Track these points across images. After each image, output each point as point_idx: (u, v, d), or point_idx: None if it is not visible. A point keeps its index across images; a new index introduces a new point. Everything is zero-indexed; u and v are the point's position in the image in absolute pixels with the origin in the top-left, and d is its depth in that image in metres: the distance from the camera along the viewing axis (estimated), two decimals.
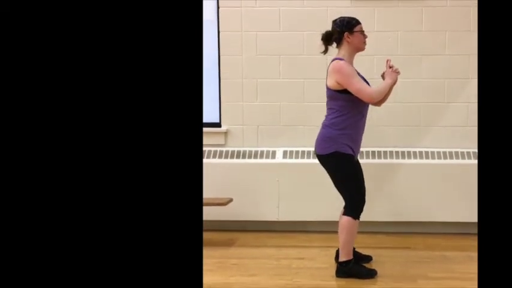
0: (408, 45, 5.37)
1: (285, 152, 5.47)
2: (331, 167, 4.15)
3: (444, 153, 5.35)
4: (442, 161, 5.30)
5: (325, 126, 4.14)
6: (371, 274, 4.16)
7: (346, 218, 4.11)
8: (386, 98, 4.22)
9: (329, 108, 4.15)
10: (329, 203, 4.84)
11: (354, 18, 4.15)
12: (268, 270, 4.37)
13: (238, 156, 5.47)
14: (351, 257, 4.15)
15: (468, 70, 5.31)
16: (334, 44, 4.17)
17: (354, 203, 4.12)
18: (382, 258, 4.56)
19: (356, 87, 4.00)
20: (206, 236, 4.76)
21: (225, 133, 5.57)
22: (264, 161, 5.43)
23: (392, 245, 5.04)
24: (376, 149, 5.38)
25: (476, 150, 5.10)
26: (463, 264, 4.43)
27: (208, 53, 5.47)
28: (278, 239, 5.23)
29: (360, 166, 4.21)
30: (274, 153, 5.48)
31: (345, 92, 4.03)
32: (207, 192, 4.88)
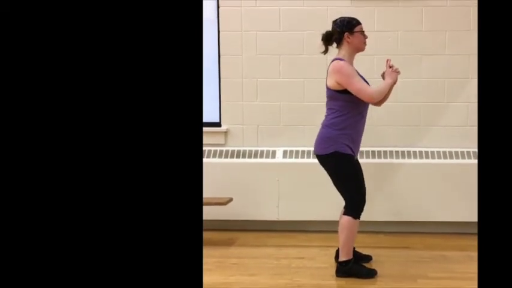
0: (408, 45, 5.37)
1: (285, 152, 5.47)
2: (331, 167, 4.15)
3: (444, 153, 5.35)
4: (442, 160, 5.30)
5: (324, 126, 4.14)
6: (371, 274, 4.16)
7: (347, 218, 4.11)
8: (387, 98, 4.22)
9: (329, 108, 4.15)
10: (329, 202, 4.85)
11: (354, 19, 4.15)
12: (268, 269, 4.37)
13: (238, 156, 5.48)
14: (351, 256, 4.16)
15: (468, 70, 5.31)
16: (335, 44, 4.17)
17: (354, 202, 4.12)
18: (381, 258, 4.56)
19: (356, 87, 4.01)
20: (206, 235, 4.76)
21: (225, 133, 5.57)
22: (264, 160, 5.43)
23: (392, 244, 5.04)
24: (376, 149, 5.38)
25: (476, 150, 5.10)
26: (462, 264, 4.43)
27: (208, 52, 5.47)
28: (278, 239, 5.23)
29: (360, 166, 4.21)
30: (274, 152, 5.48)
31: (345, 92, 4.03)
32: (207, 192, 4.88)
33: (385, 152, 5.39)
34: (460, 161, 5.28)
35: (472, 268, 4.05)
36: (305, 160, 5.34)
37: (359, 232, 4.22)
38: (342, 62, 4.05)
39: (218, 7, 5.53)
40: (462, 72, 5.34)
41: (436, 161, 5.30)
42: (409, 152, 5.38)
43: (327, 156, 4.10)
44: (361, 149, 4.33)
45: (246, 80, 5.52)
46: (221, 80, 5.57)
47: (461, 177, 5.20)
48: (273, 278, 4.18)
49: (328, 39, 4.16)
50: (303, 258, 4.65)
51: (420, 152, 5.37)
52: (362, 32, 4.13)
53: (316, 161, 4.24)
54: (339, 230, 4.15)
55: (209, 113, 5.54)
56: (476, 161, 4.92)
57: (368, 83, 4.14)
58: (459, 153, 5.33)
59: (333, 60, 4.11)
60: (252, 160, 5.44)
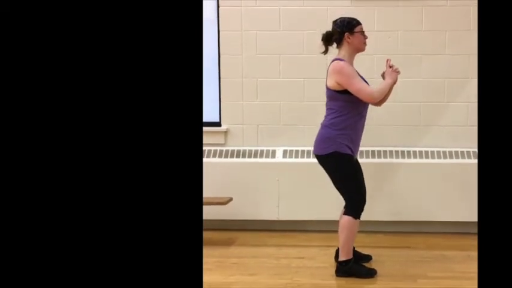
0: (408, 45, 5.37)
1: (284, 152, 5.47)
2: (331, 167, 4.15)
3: (444, 152, 5.35)
4: (442, 160, 5.30)
5: (324, 126, 4.14)
6: (371, 273, 4.16)
7: (347, 218, 4.11)
8: (387, 97, 4.23)
9: (328, 109, 4.15)
10: (329, 202, 4.85)
11: (354, 19, 4.15)
12: (268, 269, 4.37)
13: (238, 156, 5.48)
14: (351, 256, 4.16)
15: (468, 70, 5.31)
16: (335, 45, 4.17)
17: (354, 202, 4.12)
18: (381, 258, 4.56)
19: (356, 87, 4.01)
20: (206, 235, 4.76)
21: (225, 132, 5.57)
22: (264, 160, 5.43)
23: (392, 244, 5.04)
24: (376, 149, 5.38)
25: (476, 150, 5.10)
26: (462, 264, 4.43)
27: (208, 52, 5.47)
28: (278, 238, 5.23)
29: (360, 166, 4.22)
30: (274, 152, 5.48)
31: (345, 92, 4.03)
32: (207, 192, 4.88)
33: (385, 151, 5.39)
34: (460, 160, 5.28)
35: (472, 268, 4.05)
36: (305, 160, 5.34)
37: (359, 232, 4.22)
38: (342, 63, 4.05)
39: (218, 7, 5.53)
40: (462, 72, 5.34)
41: (436, 160, 5.30)
42: (409, 151, 5.38)
43: (327, 157, 4.10)
44: (361, 148, 4.32)
45: (246, 79, 5.52)
46: (221, 79, 5.57)
47: (461, 177, 5.20)
48: (273, 277, 4.18)
49: (328, 39, 4.15)
50: (303, 258, 4.65)
51: (420, 152, 5.37)
52: (362, 32, 4.14)
53: (316, 160, 4.24)
54: (339, 230, 4.15)
55: (209, 113, 5.54)
56: (476, 161, 4.92)
57: (368, 83, 4.14)
58: (459, 153, 5.33)
59: (333, 61, 4.11)
60: (252, 160, 5.44)
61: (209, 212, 4.93)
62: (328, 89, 4.11)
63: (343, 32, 4.10)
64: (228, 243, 5.10)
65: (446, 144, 5.39)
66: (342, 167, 4.10)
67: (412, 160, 5.33)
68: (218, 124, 5.60)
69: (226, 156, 5.47)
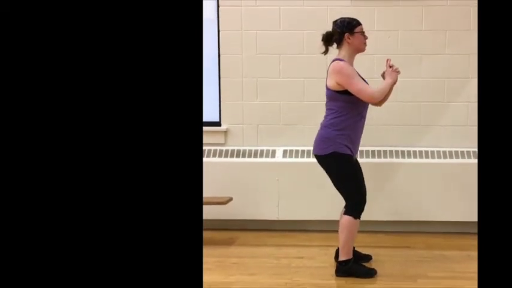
0: (408, 45, 5.37)
1: (284, 151, 5.47)
2: (330, 168, 4.15)
3: (444, 152, 5.35)
4: (442, 160, 5.30)
5: (323, 126, 4.14)
6: (370, 273, 4.16)
7: (347, 218, 4.11)
8: (387, 97, 4.22)
9: (328, 109, 4.15)
10: (329, 202, 4.85)
11: (354, 19, 4.14)
12: (267, 269, 4.37)
13: (238, 155, 5.47)
14: (351, 256, 4.16)
15: (468, 69, 5.31)
16: (335, 45, 4.17)
17: (355, 202, 4.12)
18: (381, 258, 4.56)
19: (357, 87, 4.00)
20: (206, 234, 4.76)
21: (225, 132, 5.57)
22: (263, 160, 5.43)
23: (392, 244, 5.04)
24: (376, 148, 5.38)
25: (476, 150, 5.10)
26: (462, 264, 4.43)
27: (208, 52, 5.47)
28: (278, 238, 5.23)
29: (359, 166, 4.22)
30: (274, 152, 5.48)
31: (345, 92, 4.03)
32: (207, 191, 4.88)
33: (385, 151, 5.39)
34: (460, 160, 5.28)
35: (472, 268, 4.05)
36: (305, 159, 5.34)
37: (359, 232, 4.22)
38: (342, 63, 4.05)
39: (218, 6, 5.52)
40: (462, 72, 5.34)
41: (436, 160, 5.30)
42: (409, 151, 5.38)
43: (326, 157, 4.10)
44: (361, 148, 4.32)
45: (246, 79, 5.52)
46: (221, 79, 5.57)
47: (461, 176, 5.20)
48: (273, 277, 4.18)
49: (329, 39, 4.15)
50: (302, 257, 4.65)
51: (420, 152, 5.37)
52: (362, 32, 4.13)
53: (316, 160, 4.24)
54: (339, 230, 4.15)
55: (209, 113, 5.54)
56: (476, 161, 4.92)
57: (367, 83, 4.14)
58: (459, 152, 5.33)
59: (333, 61, 4.11)
60: (252, 159, 5.44)
61: (209, 212, 4.93)
62: (328, 89, 4.11)
63: (343, 33, 4.09)
64: (228, 243, 5.10)
65: (446, 144, 5.39)
66: (342, 167, 4.10)
67: (412, 160, 5.33)
68: (218, 124, 5.60)
69: (226, 156, 5.47)
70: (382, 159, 5.34)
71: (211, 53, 5.54)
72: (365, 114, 4.17)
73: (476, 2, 2.55)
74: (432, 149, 5.38)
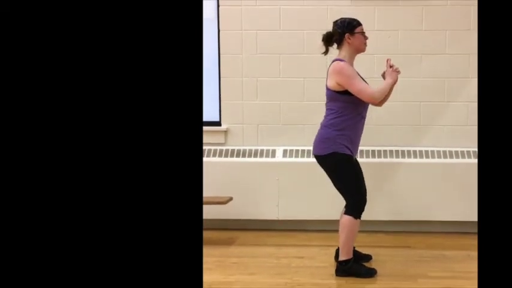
0: (408, 44, 5.37)
1: (284, 151, 5.47)
2: (330, 168, 4.15)
3: (444, 152, 5.35)
4: (442, 160, 5.30)
5: (323, 126, 4.14)
6: (370, 273, 4.16)
7: (347, 217, 4.11)
8: (387, 97, 4.22)
9: (328, 109, 4.15)
10: (329, 202, 4.85)
11: (354, 20, 4.14)
12: (268, 269, 4.37)
13: (238, 155, 5.47)
14: (351, 256, 4.16)
15: (468, 69, 5.31)
16: (335, 45, 4.17)
17: (355, 202, 4.12)
18: (381, 257, 4.56)
19: (357, 88, 4.00)
20: (206, 234, 4.76)
21: (225, 132, 5.57)
22: (264, 159, 5.43)
23: (392, 244, 5.04)
24: (376, 148, 5.38)
25: (476, 150, 5.10)
26: (463, 263, 4.43)
27: (208, 51, 5.47)
28: (278, 238, 5.23)
29: (359, 166, 4.22)
30: (274, 152, 5.48)
31: (345, 93, 4.03)
32: (207, 191, 4.88)
33: (385, 151, 5.39)
34: (460, 160, 5.28)
35: (472, 267, 4.05)
36: (305, 159, 5.34)
37: (359, 231, 4.22)
38: (342, 63, 4.05)
39: (218, 6, 5.53)
40: (462, 72, 5.34)
41: (436, 160, 5.30)
42: (409, 151, 5.38)
43: (326, 157, 4.10)
44: (361, 148, 4.32)
45: (246, 79, 5.52)
46: (221, 79, 5.57)
47: (462, 176, 5.20)
48: (273, 277, 4.18)
49: (329, 40, 4.15)
50: (302, 257, 4.65)
51: (420, 152, 5.37)
52: (363, 33, 4.13)
53: (316, 160, 4.24)
54: (340, 230, 4.15)
55: (209, 112, 5.54)
56: (476, 161, 4.92)
57: (367, 83, 4.14)
58: (459, 152, 5.33)
59: (333, 61, 4.11)
60: (252, 159, 5.44)
61: (209, 212, 4.93)
62: (328, 89, 4.11)
63: (343, 33, 4.09)
64: (228, 242, 5.10)
65: (446, 144, 5.39)
66: (342, 168, 4.10)
67: (412, 160, 5.33)
68: (218, 123, 5.60)
69: (226, 156, 5.47)
70: (382, 159, 5.34)
71: (211, 53, 5.54)
72: (365, 115, 4.17)
73: (477, 1, 2.55)
74: (432, 148, 5.38)
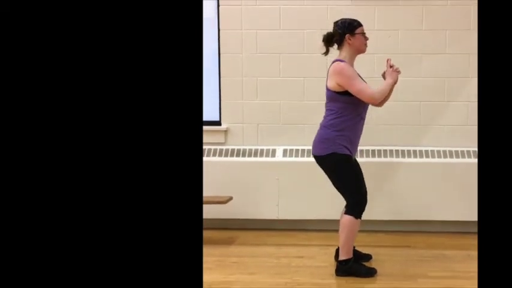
0: (408, 44, 5.37)
1: (285, 151, 5.47)
2: (330, 168, 4.15)
3: (444, 152, 5.35)
4: (442, 159, 5.30)
5: (323, 127, 4.13)
6: (370, 273, 4.16)
7: (348, 217, 4.11)
8: (388, 98, 4.22)
9: (328, 109, 4.14)
10: (329, 201, 4.85)
11: (355, 20, 4.14)
12: (267, 268, 4.37)
13: (238, 155, 5.47)
14: (351, 255, 4.16)
15: (468, 69, 5.31)
16: (335, 46, 4.17)
17: (355, 202, 4.12)
18: (381, 257, 4.56)
19: (358, 88, 4.00)
20: (206, 234, 4.76)
21: (225, 131, 5.57)
22: (264, 159, 5.43)
23: (392, 243, 5.04)
24: (376, 148, 5.38)
25: (476, 149, 5.10)
26: (463, 263, 4.43)
27: (208, 51, 5.47)
28: (278, 238, 5.23)
29: (359, 166, 4.22)
30: (274, 151, 5.48)
31: (345, 93, 4.03)
32: (207, 191, 4.88)
33: (385, 151, 5.39)
34: (460, 160, 5.28)
35: (472, 267, 4.05)
36: (305, 159, 5.34)
37: (359, 231, 4.22)
38: (342, 64, 4.05)
39: (218, 5, 5.53)
40: (462, 72, 5.34)
41: (436, 160, 5.30)
42: (409, 151, 5.38)
43: (325, 157, 4.10)
44: (361, 148, 4.32)
45: (246, 78, 5.52)
46: (221, 78, 5.57)
47: (462, 176, 5.20)
48: (273, 276, 4.18)
49: (329, 40, 4.14)
50: (302, 257, 4.65)
51: (420, 151, 5.37)
52: (363, 33, 4.13)
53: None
54: (340, 229, 4.15)
55: (209, 112, 5.54)
56: (476, 160, 4.92)
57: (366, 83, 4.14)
58: (459, 152, 5.33)
59: (334, 62, 4.11)
60: (252, 159, 5.44)
61: (209, 211, 4.93)
62: (328, 90, 4.10)
63: (344, 34, 4.09)
64: (228, 242, 5.10)
65: (447, 144, 5.39)
66: (341, 168, 4.10)
67: (412, 159, 5.33)
68: (218, 123, 5.60)
69: (226, 155, 5.47)
70: (382, 159, 5.34)
71: (212, 52, 5.54)
72: (364, 116, 4.17)
73: (477, 1, 2.55)
74: (432, 148, 5.38)
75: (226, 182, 5.36)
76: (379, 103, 4.18)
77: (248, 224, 5.44)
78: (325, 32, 4.17)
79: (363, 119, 4.15)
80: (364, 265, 4.26)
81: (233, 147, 5.52)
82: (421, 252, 4.78)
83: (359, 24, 4.12)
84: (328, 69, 4.13)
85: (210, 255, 4.51)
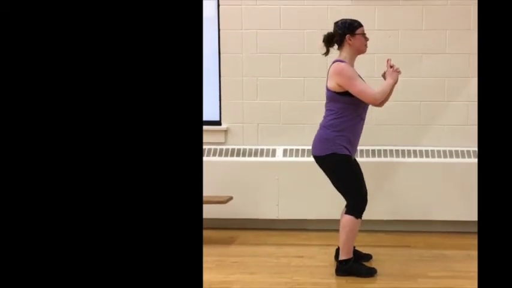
0: (409, 44, 5.37)
1: (285, 151, 5.47)
2: (329, 168, 4.15)
3: (444, 151, 5.35)
4: (442, 159, 5.30)
5: (322, 127, 4.13)
6: (370, 273, 4.16)
7: (348, 217, 4.11)
8: (388, 98, 4.22)
9: (328, 110, 4.14)
10: (329, 201, 4.85)
11: (356, 21, 4.14)
12: (267, 268, 4.37)
13: (238, 155, 5.48)
14: (351, 255, 4.16)
15: (468, 69, 5.31)
16: (336, 46, 4.16)
17: (356, 203, 4.11)
18: (381, 257, 4.56)
19: (358, 89, 4.00)
20: (206, 234, 4.76)
21: (225, 131, 5.57)
22: (264, 159, 5.43)
23: (392, 243, 5.04)
24: (376, 148, 5.38)
25: (476, 149, 5.10)
26: (463, 263, 4.43)
27: (208, 51, 5.47)
28: (278, 237, 5.23)
29: (359, 166, 4.22)
30: (274, 151, 5.48)
31: (345, 94, 4.03)
32: (207, 190, 4.88)
33: (385, 150, 5.39)
34: (460, 160, 5.28)
35: (472, 267, 4.05)
36: (305, 159, 5.34)
37: (359, 231, 4.22)
38: (342, 64, 4.05)
39: (218, 5, 5.53)
40: (462, 71, 5.34)
41: (436, 160, 5.30)
42: (409, 151, 5.38)
43: (325, 158, 4.10)
44: (361, 148, 4.32)
45: (246, 78, 5.52)
46: (221, 78, 5.57)
47: (462, 176, 5.20)
48: (273, 276, 4.18)
49: (330, 40, 4.14)
50: (302, 256, 4.65)
51: (420, 151, 5.37)
52: (363, 34, 4.13)
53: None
54: (340, 229, 4.15)
55: (209, 112, 5.54)
56: (476, 160, 4.92)
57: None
58: (459, 152, 5.33)
59: (334, 62, 4.11)
60: (252, 159, 5.44)
61: (209, 211, 4.94)
62: (328, 90, 4.10)
63: (344, 34, 4.09)
64: (228, 242, 5.10)
65: (446, 143, 5.39)
66: (341, 168, 4.10)
67: (412, 159, 5.33)
68: (218, 123, 5.60)
69: (226, 155, 5.47)
70: (383, 159, 5.34)
71: (212, 52, 5.54)
72: (364, 117, 4.17)
73: (477, 1, 2.55)
74: (432, 148, 5.38)
75: (226, 181, 5.37)
76: (380, 103, 4.17)
77: (248, 223, 5.44)
78: (325, 32, 4.17)
79: (362, 119, 4.15)
80: (364, 265, 4.26)
81: (233, 147, 5.53)
82: (421, 252, 4.78)
83: (359, 25, 4.12)
84: (328, 70, 4.13)
85: (210, 255, 4.51)
